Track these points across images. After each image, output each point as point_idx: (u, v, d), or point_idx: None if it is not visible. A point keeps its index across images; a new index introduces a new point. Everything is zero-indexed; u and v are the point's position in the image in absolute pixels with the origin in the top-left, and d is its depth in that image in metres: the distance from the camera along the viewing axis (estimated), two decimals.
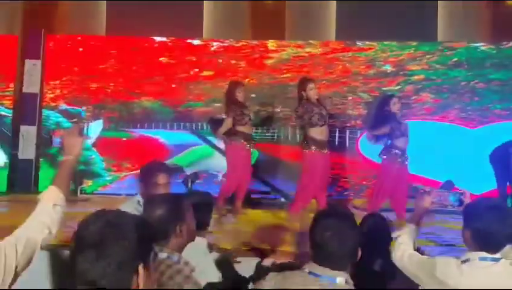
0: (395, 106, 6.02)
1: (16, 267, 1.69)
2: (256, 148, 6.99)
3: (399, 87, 8.15)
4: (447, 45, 8.35)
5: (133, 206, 2.83)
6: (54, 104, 8.51)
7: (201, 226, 2.72)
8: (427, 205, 2.75)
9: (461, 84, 8.16)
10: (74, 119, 8.68)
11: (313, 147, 5.75)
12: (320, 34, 8.64)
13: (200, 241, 2.70)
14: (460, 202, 2.76)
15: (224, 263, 3.11)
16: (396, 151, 5.91)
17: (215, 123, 6.50)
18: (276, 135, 8.31)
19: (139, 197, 2.99)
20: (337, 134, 8.16)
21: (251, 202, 6.99)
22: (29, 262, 1.75)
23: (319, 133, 5.80)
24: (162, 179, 2.96)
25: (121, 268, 1.19)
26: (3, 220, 4.86)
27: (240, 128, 6.18)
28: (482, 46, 8.23)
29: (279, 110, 8.27)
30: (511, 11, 8.31)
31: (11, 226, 1.90)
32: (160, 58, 8.48)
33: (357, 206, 6.81)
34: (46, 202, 1.90)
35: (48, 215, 1.87)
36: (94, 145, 8.54)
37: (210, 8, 8.80)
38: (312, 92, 5.86)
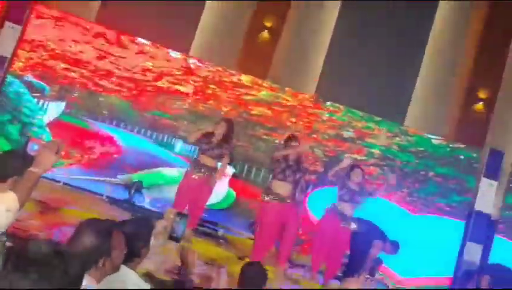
0: (354, 176, 6.13)
1: None
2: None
3: (365, 158, 8.33)
4: (404, 129, 8.69)
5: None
6: (20, 72, 8.28)
7: (131, 257, 2.51)
8: (353, 288, 2.87)
9: (410, 170, 8.45)
10: (36, 94, 8.51)
11: (270, 198, 5.76)
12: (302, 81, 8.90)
13: (129, 275, 2.50)
14: None
15: None
16: (339, 211, 6.02)
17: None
18: (236, 169, 8.18)
19: None
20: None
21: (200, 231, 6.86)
22: None
23: (280, 186, 5.80)
24: None
25: None
26: None
27: (202, 157, 6.04)
28: (435, 139, 8.54)
29: (239, 144, 8.23)
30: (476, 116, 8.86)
31: None
32: (139, 60, 8.40)
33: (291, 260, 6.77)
34: (1, 204, 1.97)
35: None
36: (49, 125, 8.35)
37: (206, 23, 8.94)
38: (293, 150, 5.85)
